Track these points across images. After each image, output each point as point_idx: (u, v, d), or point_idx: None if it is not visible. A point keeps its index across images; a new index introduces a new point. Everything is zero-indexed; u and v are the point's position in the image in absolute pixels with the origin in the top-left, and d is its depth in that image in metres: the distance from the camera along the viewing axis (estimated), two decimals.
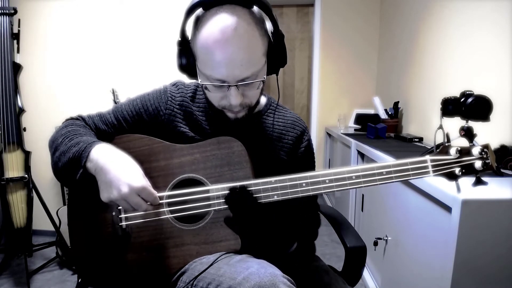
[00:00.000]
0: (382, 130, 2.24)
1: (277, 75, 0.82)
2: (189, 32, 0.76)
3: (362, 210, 2.05)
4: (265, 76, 0.77)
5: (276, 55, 0.78)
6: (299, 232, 0.91)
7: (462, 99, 1.10)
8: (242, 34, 0.69)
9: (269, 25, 0.76)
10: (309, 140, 0.94)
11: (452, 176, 0.70)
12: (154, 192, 0.74)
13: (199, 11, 0.73)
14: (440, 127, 1.18)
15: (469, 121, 1.10)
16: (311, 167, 0.94)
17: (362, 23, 3.07)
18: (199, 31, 0.72)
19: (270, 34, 0.77)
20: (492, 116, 1.07)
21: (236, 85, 0.73)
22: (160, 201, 0.78)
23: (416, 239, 1.24)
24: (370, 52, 3.10)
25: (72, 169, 0.75)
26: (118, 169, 0.71)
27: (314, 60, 3.18)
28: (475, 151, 0.70)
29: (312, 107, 3.28)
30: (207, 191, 0.76)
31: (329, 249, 2.38)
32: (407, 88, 2.41)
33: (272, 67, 0.79)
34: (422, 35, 2.17)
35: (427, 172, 0.70)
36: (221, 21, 0.69)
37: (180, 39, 0.77)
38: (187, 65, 0.78)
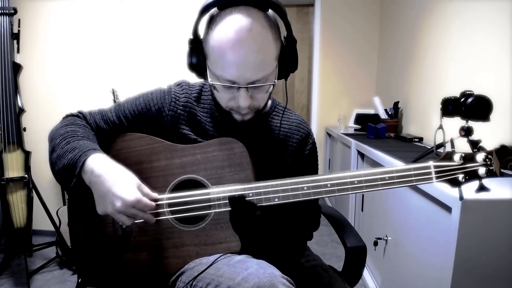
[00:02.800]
0: (382, 130, 2.24)
1: (285, 80, 0.81)
2: (201, 31, 0.75)
3: (362, 210, 2.05)
4: (275, 80, 0.76)
5: (288, 59, 0.77)
6: (296, 233, 0.91)
7: (462, 99, 1.10)
8: (256, 36, 0.69)
9: (282, 29, 0.75)
10: (314, 143, 0.93)
11: (455, 183, 0.70)
12: (149, 202, 0.72)
13: (214, 10, 0.72)
14: (440, 127, 1.18)
15: (469, 121, 1.10)
16: (314, 170, 0.94)
17: (362, 23, 3.07)
18: (213, 30, 0.71)
19: (282, 39, 0.77)
20: (492, 116, 1.07)
21: (246, 87, 0.72)
22: (161, 202, 0.78)
23: (416, 239, 1.24)
24: (370, 52, 3.10)
25: (67, 176, 0.75)
26: (111, 183, 0.70)
27: (314, 60, 3.18)
28: (479, 157, 0.69)
29: (312, 107, 3.28)
30: (208, 193, 0.76)
31: (329, 249, 2.38)
32: (407, 88, 2.41)
33: (282, 72, 0.78)
34: (422, 35, 2.17)
35: (430, 178, 0.69)
36: (236, 22, 0.68)
37: (192, 37, 0.76)
38: (197, 64, 0.77)
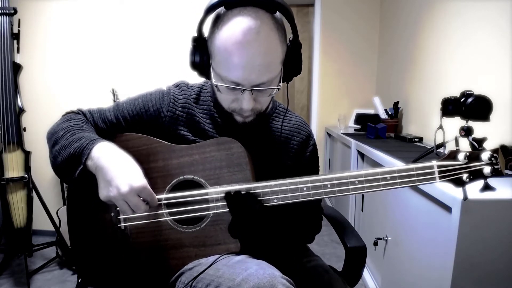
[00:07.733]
0: (382, 130, 2.23)
1: (287, 83, 0.80)
2: (206, 29, 0.74)
3: (362, 210, 2.05)
4: (280, 84, 0.76)
5: (292, 63, 0.76)
6: (298, 236, 0.91)
7: (462, 99, 1.10)
8: (263, 39, 0.68)
9: (288, 32, 0.75)
10: (314, 145, 0.93)
11: (459, 182, 0.68)
12: (153, 193, 0.74)
13: (220, 9, 0.71)
14: (440, 127, 1.18)
15: (469, 121, 1.10)
16: (315, 172, 0.93)
17: (362, 23, 3.06)
18: (220, 30, 0.70)
19: (288, 42, 0.76)
20: (492, 116, 1.07)
21: (251, 90, 0.72)
22: (159, 202, 0.78)
23: (416, 239, 1.24)
24: (370, 52, 3.09)
25: (72, 165, 0.75)
26: (119, 168, 0.71)
27: (314, 60, 3.18)
28: (485, 156, 0.67)
29: (312, 107, 3.28)
30: (206, 194, 0.76)
31: (329, 249, 2.38)
32: (407, 88, 2.41)
33: (286, 75, 0.78)
34: (422, 35, 2.17)
35: (433, 179, 0.67)
36: (244, 23, 0.67)
37: (196, 35, 0.75)
38: (200, 63, 0.75)
